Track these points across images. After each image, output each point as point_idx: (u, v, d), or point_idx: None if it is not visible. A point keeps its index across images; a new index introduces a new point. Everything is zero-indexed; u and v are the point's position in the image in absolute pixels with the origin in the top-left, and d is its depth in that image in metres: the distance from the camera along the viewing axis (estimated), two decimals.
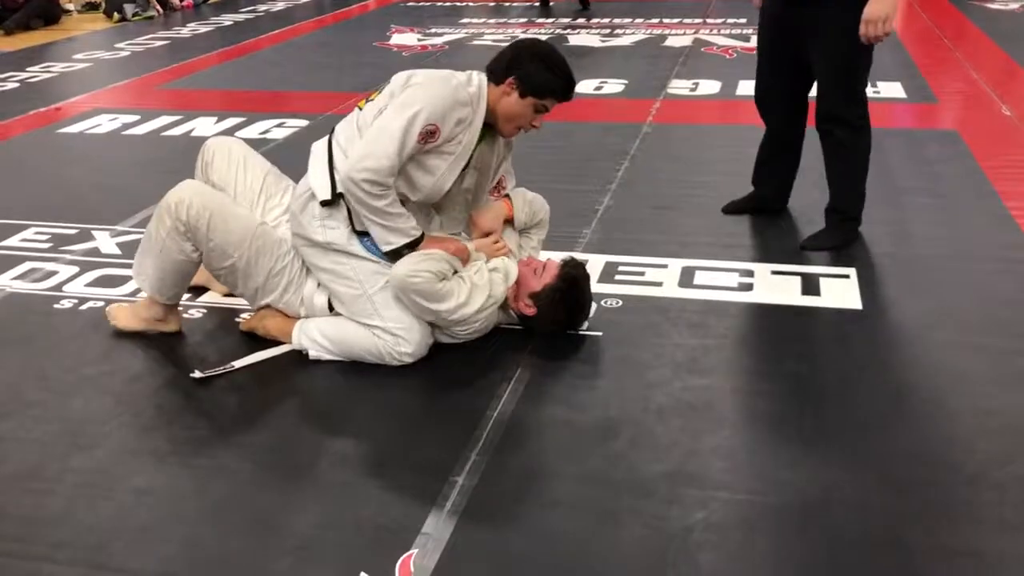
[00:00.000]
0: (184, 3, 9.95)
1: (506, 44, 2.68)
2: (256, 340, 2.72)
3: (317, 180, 2.55)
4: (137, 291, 3.08)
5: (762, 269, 3.13)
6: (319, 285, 2.64)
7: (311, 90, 6.12)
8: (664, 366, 2.56)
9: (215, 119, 5.28)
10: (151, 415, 2.41)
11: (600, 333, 2.72)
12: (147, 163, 4.62)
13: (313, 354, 2.60)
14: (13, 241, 3.55)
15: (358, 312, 2.55)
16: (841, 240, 3.28)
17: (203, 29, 8.76)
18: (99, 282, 3.18)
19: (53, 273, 3.25)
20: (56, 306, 3.01)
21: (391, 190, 2.45)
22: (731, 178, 3.90)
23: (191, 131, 5.10)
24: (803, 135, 3.46)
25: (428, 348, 2.58)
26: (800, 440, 2.23)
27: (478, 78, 2.57)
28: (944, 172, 4.09)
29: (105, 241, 3.53)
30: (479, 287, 2.54)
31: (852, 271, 3.08)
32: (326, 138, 2.63)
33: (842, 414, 2.33)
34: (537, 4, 8.01)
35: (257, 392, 2.52)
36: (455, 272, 2.55)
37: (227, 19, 9.31)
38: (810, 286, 3.00)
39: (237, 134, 4.98)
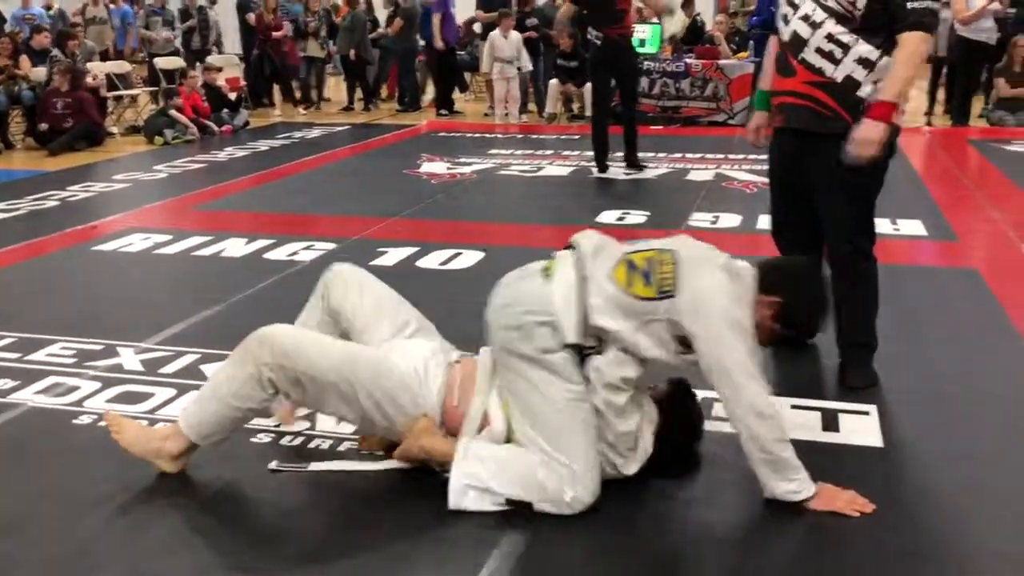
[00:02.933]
0: (223, 129, 10.33)
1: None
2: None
3: (568, 319, 2.41)
4: (157, 408, 3.11)
5: (782, 403, 3.09)
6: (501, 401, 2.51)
7: (340, 214, 6.27)
8: (679, 500, 2.53)
9: (245, 240, 5.41)
10: (163, 537, 2.39)
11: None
12: (175, 282, 4.72)
13: (455, 498, 2.41)
14: (39, 355, 3.60)
15: (542, 433, 2.40)
16: (871, 376, 3.26)
17: (240, 153, 9.06)
18: (120, 398, 3.21)
19: (75, 388, 3.29)
20: (75, 422, 3.03)
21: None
22: None
23: (221, 251, 5.22)
24: (821, 262, 3.47)
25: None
26: None
27: (749, 280, 2.48)
28: (964, 310, 4.09)
29: (129, 357, 3.57)
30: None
31: (872, 408, 3.06)
32: (572, 270, 2.47)
33: (863, 556, 2.27)
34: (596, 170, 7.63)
35: (277, 521, 2.50)
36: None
37: (263, 144, 9.63)
38: (830, 422, 2.97)
39: (266, 256, 5.10)
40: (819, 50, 3.04)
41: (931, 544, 2.34)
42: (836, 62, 3.02)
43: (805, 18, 3.06)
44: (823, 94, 3.06)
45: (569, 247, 2.58)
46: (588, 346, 2.44)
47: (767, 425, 2.36)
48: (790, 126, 3.21)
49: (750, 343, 2.38)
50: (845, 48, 3.00)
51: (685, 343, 2.43)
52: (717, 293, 2.39)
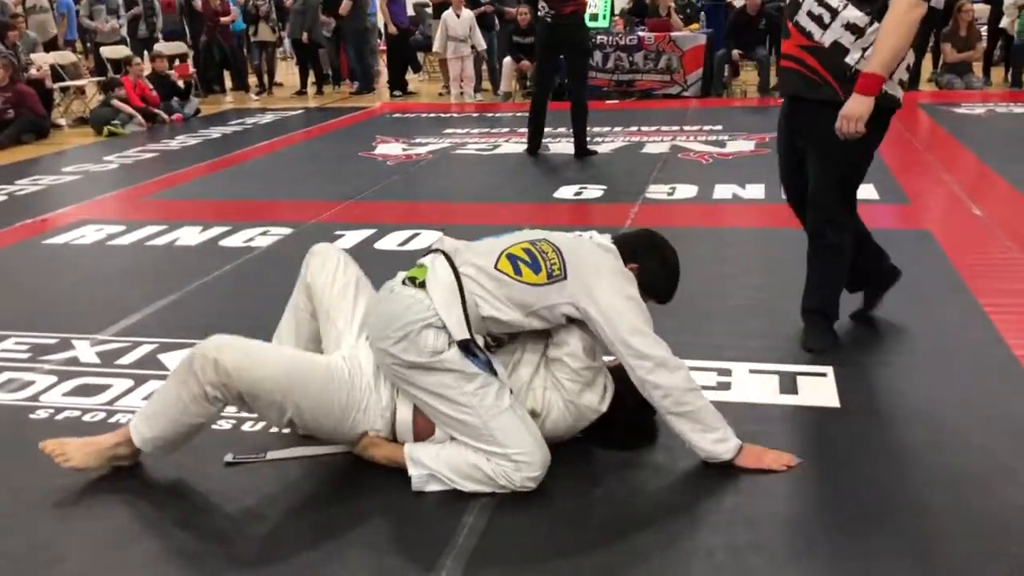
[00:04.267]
0: (173, 117, 10.17)
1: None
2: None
3: (452, 317, 2.39)
4: (115, 399, 3.07)
5: (740, 368, 3.14)
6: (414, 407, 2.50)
7: (296, 199, 6.21)
8: (643, 466, 2.55)
9: (200, 228, 5.34)
10: (123, 527, 2.37)
11: (580, 434, 2.70)
12: (130, 273, 4.66)
13: (417, 483, 2.44)
14: None
15: (470, 436, 2.40)
16: (826, 341, 3.29)
17: (192, 141, 8.94)
18: (76, 391, 3.16)
19: (30, 383, 3.23)
20: (32, 416, 2.99)
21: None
22: (708, 278, 3.95)
23: (175, 240, 5.15)
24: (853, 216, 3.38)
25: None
26: (784, 542, 2.20)
27: (615, 251, 2.60)
28: (918, 271, 4.13)
29: (85, 350, 3.52)
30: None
31: (829, 369, 3.10)
32: (448, 269, 2.46)
33: (826, 515, 2.31)
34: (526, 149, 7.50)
35: (238, 509, 2.48)
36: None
37: (216, 132, 9.51)
38: (788, 384, 3.01)
39: (221, 243, 5.04)
40: (810, 13, 3.00)
41: (892, 503, 2.37)
42: (824, 26, 2.97)
43: None
44: (812, 59, 3.03)
45: (431, 251, 2.56)
46: (478, 345, 2.41)
47: (676, 376, 2.43)
48: (785, 91, 3.24)
49: (641, 309, 2.49)
50: (833, 12, 2.95)
51: (571, 320, 2.53)
52: (603, 271, 2.50)
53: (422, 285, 2.45)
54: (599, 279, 2.48)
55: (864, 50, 2.95)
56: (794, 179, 3.36)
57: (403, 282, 2.50)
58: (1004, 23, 10.94)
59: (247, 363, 2.40)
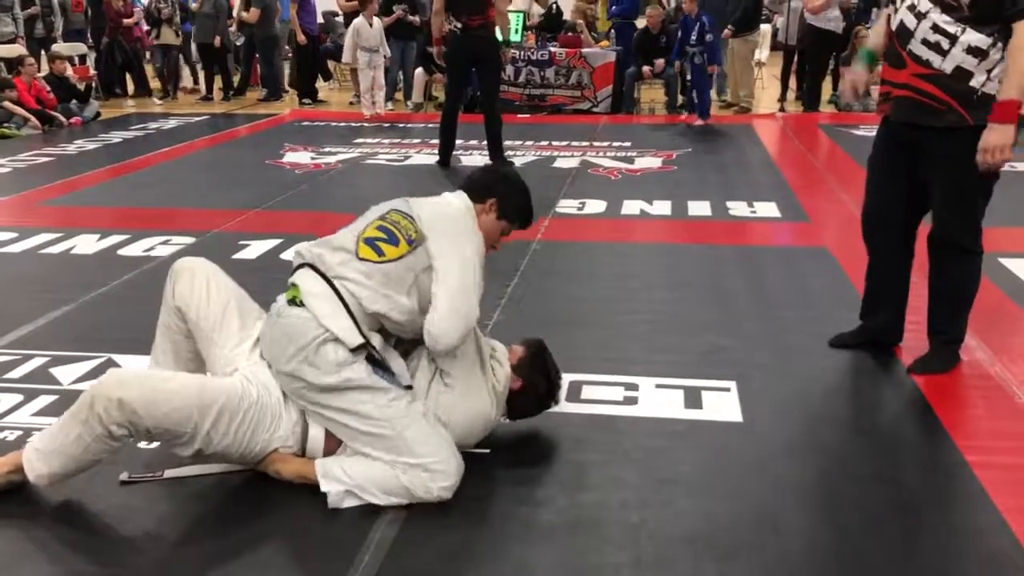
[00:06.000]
0: (71, 120, 9.83)
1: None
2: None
3: (340, 326, 2.39)
4: (2, 416, 2.94)
5: (647, 383, 3.18)
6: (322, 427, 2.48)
7: (199, 207, 6.05)
8: (549, 482, 2.56)
9: (97, 236, 5.16)
10: (11, 552, 2.26)
11: (487, 451, 2.70)
12: (23, 282, 4.46)
13: (334, 500, 2.39)
14: None
15: (385, 450, 2.39)
16: (949, 363, 3.26)
17: (91, 146, 8.64)
18: None
19: None
20: None
21: None
22: (616, 293, 3.99)
23: (71, 248, 4.96)
24: (911, 261, 3.37)
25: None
26: (689, 558, 2.23)
27: (466, 200, 2.64)
28: (816, 286, 4.27)
29: None
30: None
31: (733, 384, 3.16)
32: (317, 280, 2.46)
33: (729, 529, 2.34)
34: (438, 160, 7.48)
35: (134, 530, 2.39)
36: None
37: (116, 136, 9.22)
38: (692, 399, 3.06)
39: (120, 252, 4.88)
40: (925, 41, 2.94)
41: (791, 512, 2.43)
42: (944, 53, 2.91)
43: (911, 8, 2.98)
44: (933, 87, 2.95)
45: (300, 267, 2.54)
46: (374, 348, 2.43)
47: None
48: (900, 120, 3.11)
49: (477, 274, 2.51)
50: (952, 38, 2.88)
51: None
52: (453, 218, 2.57)
53: (302, 304, 2.44)
54: (448, 225, 2.52)
55: (988, 72, 2.89)
56: (890, 209, 3.29)
57: (288, 303, 2.48)
58: None
59: (153, 398, 2.28)
